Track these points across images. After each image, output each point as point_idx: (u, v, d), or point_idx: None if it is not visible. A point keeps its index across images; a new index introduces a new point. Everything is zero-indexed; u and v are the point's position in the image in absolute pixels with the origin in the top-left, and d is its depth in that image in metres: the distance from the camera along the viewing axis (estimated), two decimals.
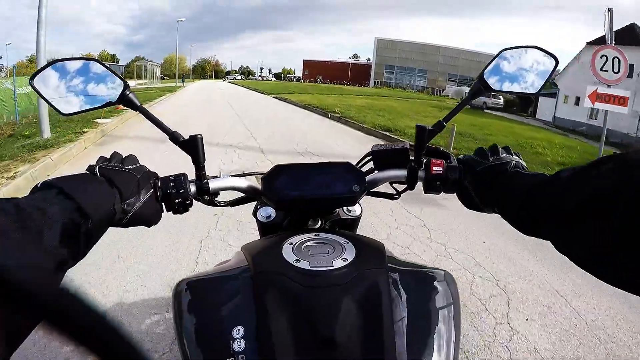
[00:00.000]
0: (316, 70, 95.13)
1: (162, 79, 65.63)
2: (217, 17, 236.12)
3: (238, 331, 0.55)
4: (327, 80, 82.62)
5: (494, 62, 0.85)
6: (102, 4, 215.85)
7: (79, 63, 0.76)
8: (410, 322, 0.58)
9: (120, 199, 0.60)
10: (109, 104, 0.76)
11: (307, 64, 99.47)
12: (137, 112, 0.76)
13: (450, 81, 72.85)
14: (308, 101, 17.91)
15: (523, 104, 32.71)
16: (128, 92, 0.75)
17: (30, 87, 0.73)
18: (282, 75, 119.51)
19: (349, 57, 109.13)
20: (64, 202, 0.50)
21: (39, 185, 0.52)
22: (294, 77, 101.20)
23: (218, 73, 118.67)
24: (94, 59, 0.77)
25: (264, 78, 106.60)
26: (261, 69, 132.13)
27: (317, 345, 0.52)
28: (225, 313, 0.58)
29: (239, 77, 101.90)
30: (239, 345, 0.54)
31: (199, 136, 0.74)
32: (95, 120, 8.79)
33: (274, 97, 22.66)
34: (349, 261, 0.62)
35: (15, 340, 0.32)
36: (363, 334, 0.53)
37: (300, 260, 0.62)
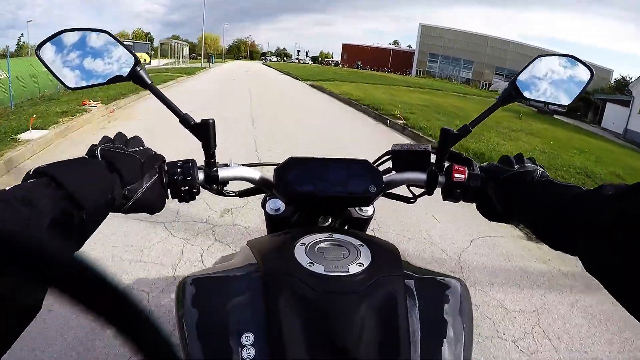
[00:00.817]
0: (355, 55, 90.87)
1: (195, 58, 62.99)
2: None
3: (247, 338, 0.53)
4: (366, 67, 77.76)
5: (528, 68, 0.82)
6: None
7: (89, 34, 0.73)
8: (424, 331, 0.57)
9: (120, 184, 0.57)
10: (118, 78, 0.73)
11: (347, 48, 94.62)
12: (147, 89, 0.72)
13: (498, 75, 67.44)
14: (353, 94, 13.96)
15: (585, 108, 30.34)
16: (139, 69, 0.72)
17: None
18: (320, 59, 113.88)
19: (390, 43, 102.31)
20: (54, 192, 0.46)
21: (30, 173, 0.49)
22: (332, 61, 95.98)
23: (253, 54, 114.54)
24: (104, 31, 0.74)
25: (301, 61, 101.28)
26: (298, 51, 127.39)
27: (331, 356, 0.50)
28: (233, 317, 0.56)
29: (274, 59, 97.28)
30: (248, 353, 0.52)
31: (211, 121, 0.71)
32: (17, 137, 5.33)
33: (309, 85, 18.84)
34: (365, 266, 0.60)
35: (8, 338, 0.31)
36: (379, 344, 0.52)
37: (314, 264, 0.60)
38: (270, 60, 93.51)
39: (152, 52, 46.26)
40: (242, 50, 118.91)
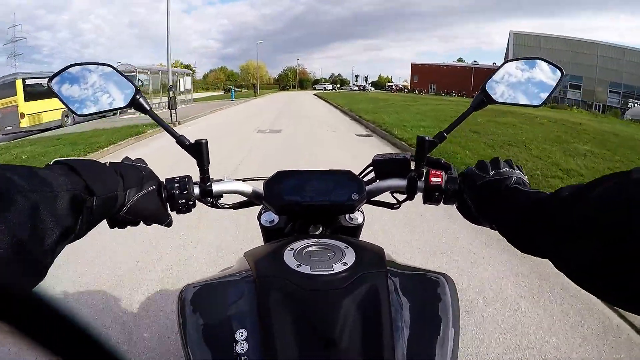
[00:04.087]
0: (428, 76, 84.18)
1: (228, 90, 60.04)
2: (306, 29, 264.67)
3: (241, 333, 0.61)
4: (443, 91, 63.04)
5: (497, 74, 0.90)
6: (195, 22, 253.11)
7: (95, 67, 0.86)
8: (410, 324, 0.64)
9: (123, 186, 0.68)
10: (121, 107, 0.87)
11: (417, 69, 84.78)
12: (147, 115, 0.86)
13: (613, 92, 55.25)
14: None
15: None
16: (138, 97, 0.85)
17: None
18: (383, 84, 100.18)
19: (472, 62, 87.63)
20: (72, 177, 0.57)
21: (51, 163, 0.60)
22: (395, 86, 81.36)
23: (303, 82, 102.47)
24: (107, 64, 0.87)
25: (361, 88, 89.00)
26: (356, 76, 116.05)
27: (318, 346, 0.58)
28: (228, 316, 0.65)
29: (329, 87, 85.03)
30: (241, 347, 0.60)
31: (203, 141, 0.83)
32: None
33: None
34: (348, 265, 0.69)
35: None
36: (363, 335, 0.59)
37: (301, 265, 0.69)
38: (325, 88, 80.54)
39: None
40: (290, 79, 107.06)
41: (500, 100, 0.89)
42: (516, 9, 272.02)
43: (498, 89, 0.90)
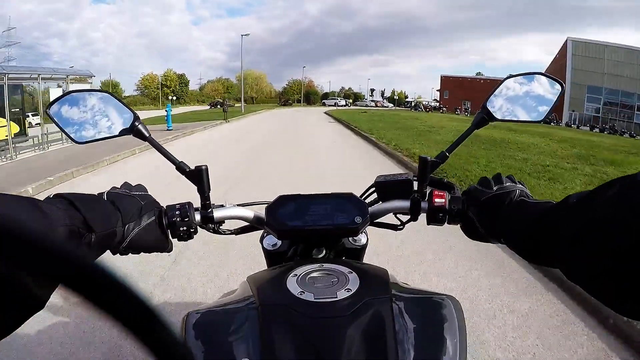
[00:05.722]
0: (461, 91, 73.79)
1: (216, 105, 56.30)
2: (313, 43, 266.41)
3: None
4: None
5: (497, 90, 0.94)
6: (203, 34, 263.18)
7: (93, 94, 0.90)
8: (415, 348, 0.66)
9: (121, 221, 0.72)
10: (120, 133, 0.90)
11: (448, 83, 77.93)
12: (146, 142, 0.91)
13: None
14: None
15: None
16: (137, 124, 0.90)
17: None
18: (402, 100, 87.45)
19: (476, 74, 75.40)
20: (72, 212, 0.61)
21: (51, 196, 0.64)
22: (416, 103, 68.16)
23: (310, 96, 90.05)
24: (106, 91, 0.91)
25: (379, 104, 77.10)
26: (372, 90, 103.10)
27: None
28: (232, 345, 0.68)
29: (341, 102, 71.06)
30: None
31: (204, 167, 0.87)
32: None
33: None
34: (352, 291, 0.72)
35: (5, 329, 0.34)
36: None
37: (304, 292, 0.72)
38: (337, 104, 66.75)
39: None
40: (295, 91, 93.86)
41: (500, 117, 0.94)
42: (520, 24, 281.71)
43: (499, 106, 0.93)
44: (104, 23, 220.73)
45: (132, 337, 0.30)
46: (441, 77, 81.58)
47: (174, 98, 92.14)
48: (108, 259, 1.21)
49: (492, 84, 0.97)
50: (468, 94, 67.41)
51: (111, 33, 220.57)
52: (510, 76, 0.94)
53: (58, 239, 0.30)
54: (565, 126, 44.94)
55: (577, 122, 49.07)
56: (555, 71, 53.79)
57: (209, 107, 68.93)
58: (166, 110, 19.42)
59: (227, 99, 37.70)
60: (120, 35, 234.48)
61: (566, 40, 54.93)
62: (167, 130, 17.78)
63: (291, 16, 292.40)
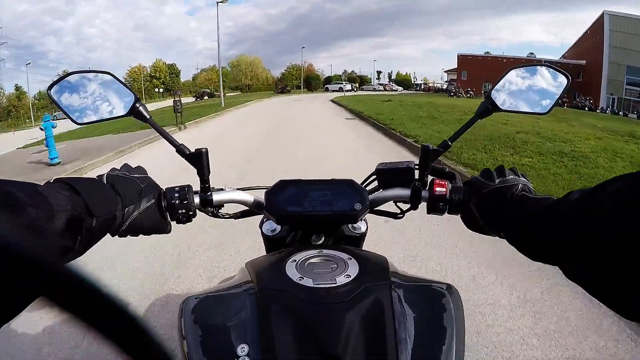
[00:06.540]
0: (480, 72, 62.88)
1: (207, 96, 51.76)
2: (311, 28, 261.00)
3: (242, 349, 0.64)
4: None
5: (502, 81, 0.95)
6: (200, 25, 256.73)
7: (94, 75, 0.91)
8: (414, 336, 0.68)
9: (121, 205, 0.74)
10: (121, 115, 0.93)
11: (465, 63, 77.28)
12: (146, 123, 0.94)
13: None
14: None
15: None
16: (139, 105, 0.92)
17: None
18: (408, 83, 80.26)
19: (528, 54, 69.87)
20: (73, 197, 0.62)
21: (51, 181, 0.65)
22: (425, 84, 61.40)
23: (311, 81, 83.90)
24: (107, 72, 0.92)
25: (387, 88, 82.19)
26: (379, 73, 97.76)
27: None
28: (229, 331, 0.69)
29: (347, 86, 62.56)
30: None
31: (204, 150, 0.90)
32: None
33: None
34: (352, 277, 0.73)
35: (9, 312, 0.34)
36: (366, 350, 0.63)
37: (303, 278, 0.73)
38: (342, 89, 58.27)
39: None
40: (294, 77, 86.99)
41: (505, 108, 0.95)
42: (521, 3, 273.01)
43: (503, 97, 0.94)
44: (99, 18, 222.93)
45: (110, 344, 0.29)
46: (458, 56, 72.88)
47: (160, 90, 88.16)
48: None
49: (516, 63, 0.99)
50: (487, 76, 57.47)
51: (107, 28, 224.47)
52: (514, 67, 0.94)
53: (31, 244, 0.30)
54: (600, 112, 39.99)
55: (614, 107, 44.17)
56: (587, 50, 47.41)
57: (194, 99, 61.18)
58: (42, 128, 8.93)
59: (207, 89, 31.94)
60: (116, 30, 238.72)
61: (601, 15, 49.91)
62: (50, 165, 8.80)
63: (288, 2, 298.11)
